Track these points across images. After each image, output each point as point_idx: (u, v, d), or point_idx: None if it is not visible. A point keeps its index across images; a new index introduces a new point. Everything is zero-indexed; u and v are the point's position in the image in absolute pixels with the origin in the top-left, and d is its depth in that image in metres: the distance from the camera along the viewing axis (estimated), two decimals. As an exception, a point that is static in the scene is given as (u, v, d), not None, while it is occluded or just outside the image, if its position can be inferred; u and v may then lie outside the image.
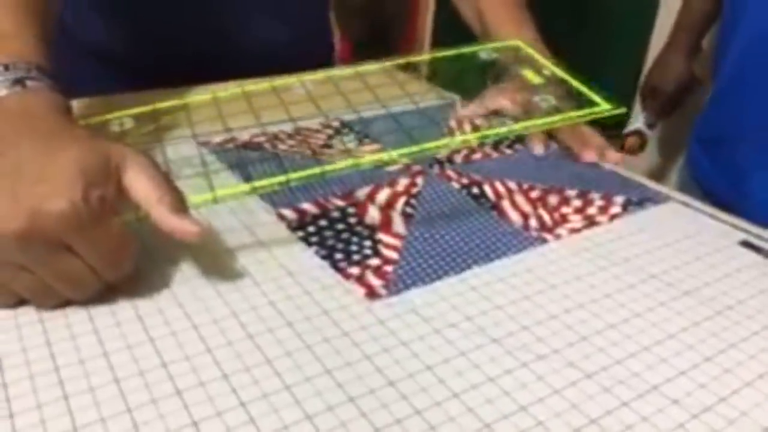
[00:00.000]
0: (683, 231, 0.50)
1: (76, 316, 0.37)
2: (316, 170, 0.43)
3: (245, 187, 0.43)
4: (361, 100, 0.62)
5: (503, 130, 0.50)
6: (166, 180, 0.40)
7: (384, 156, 0.46)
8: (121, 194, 0.38)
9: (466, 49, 0.59)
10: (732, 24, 0.78)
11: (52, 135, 0.38)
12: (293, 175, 0.43)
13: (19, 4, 0.45)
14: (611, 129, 1.16)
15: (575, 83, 0.55)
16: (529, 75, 0.58)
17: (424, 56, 0.65)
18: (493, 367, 0.35)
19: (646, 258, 0.47)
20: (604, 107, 0.51)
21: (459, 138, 0.49)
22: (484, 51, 0.59)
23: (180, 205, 0.39)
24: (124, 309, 0.38)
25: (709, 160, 0.83)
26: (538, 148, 0.63)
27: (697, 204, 0.55)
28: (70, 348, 0.35)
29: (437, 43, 1.40)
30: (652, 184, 0.58)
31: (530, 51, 0.60)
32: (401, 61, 0.62)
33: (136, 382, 0.33)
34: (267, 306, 0.39)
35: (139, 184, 0.38)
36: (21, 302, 0.38)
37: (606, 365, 0.36)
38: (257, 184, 0.43)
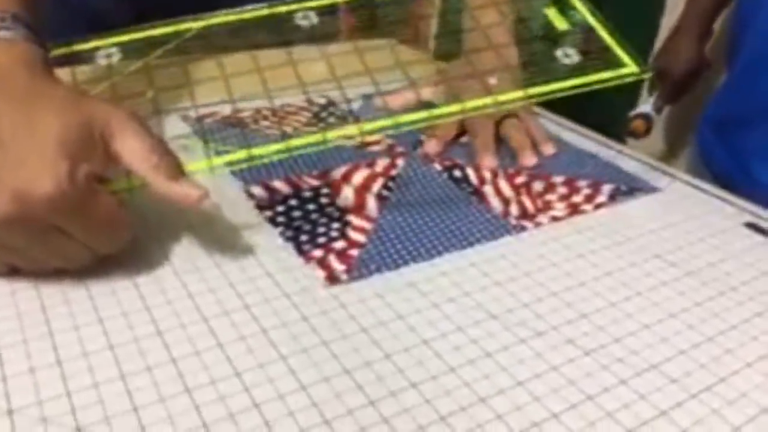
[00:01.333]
0: (688, 212, 0.50)
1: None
2: (280, 146, 0.41)
3: (220, 160, 0.41)
4: (352, 77, 0.60)
5: (506, 97, 0.44)
6: (159, 143, 0.38)
7: (353, 130, 0.42)
8: (109, 161, 0.36)
9: None
10: (751, 8, 0.76)
11: (29, 98, 0.35)
12: (257, 151, 0.40)
13: None
14: (618, 113, 1.15)
15: (605, 35, 0.48)
16: (555, 17, 0.51)
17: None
18: (476, 350, 0.34)
19: (650, 237, 0.46)
20: (631, 69, 0.46)
21: (438, 111, 0.43)
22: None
23: (177, 170, 0.37)
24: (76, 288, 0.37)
25: (719, 142, 0.82)
26: (528, 160, 0.56)
27: (703, 185, 0.54)
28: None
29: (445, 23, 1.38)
30: (659, 164, 0.57)
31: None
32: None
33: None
34: (227, 287, 0.38)
35: (131, 150, 0.36)
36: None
37: (605, 343, 0.36)
38: (223, 159, 0.40)
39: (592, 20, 0.50)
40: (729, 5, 1.03)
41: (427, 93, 0.59)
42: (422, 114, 0.44)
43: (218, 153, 0.43)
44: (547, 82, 0.45)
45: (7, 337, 0.33)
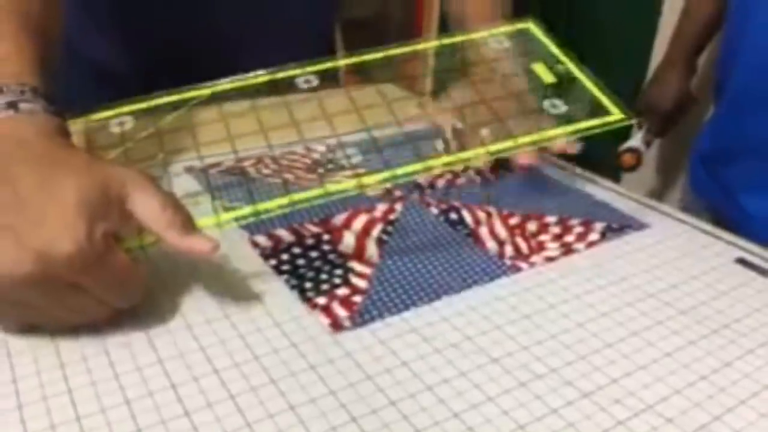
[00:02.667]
0: (680, 249, 0.51)
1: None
2: (284, 200, 0.43)
3: (228, 216, 0.43)
4: (349, 124, 0.62)
5: (498, 147, 0.46)
6: (170, 200, 0.39)
7: (352, 184, 0.45)
8: (124, 220, 0.38)
9: (475, 35, 0.57)
10: (736, 44, 0.79)
11: (49, 163, 0.37)
12: (262, 206, 0.43)
13: (19, 27, 0.45)
14: (609, 146, 1.18)
15: (590, 85, 0.51)
16: (541, 72, 0.53)
17: (429, 44, 0.59)
18: (469, 399, 0.35)
19: (644, 277, 0.47)
20: (617, 117, 0.48)
21: (436, 161, 0.46)
22: (494, 38, 0.56)
23: (189, 224, 0.39)
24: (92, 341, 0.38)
25: (709, 175, 0.84)
26: (525, 159, 0.57)
27: (694, 221, 0.56)
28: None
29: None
30: (650, 201, 0.59)
31: (541, 36, 0.56)
32: (404, 49, 0.58)
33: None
34: (236, 339, 0.39)
35: (146, 209, 0.38)
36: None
37: (602, 384, 0.37)
38: (231, 215, 0.42)
39: (577, 72, 0.52)
40: (713, 41, 1.06)
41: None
42: (418, 166, 0.46)
43: (226, 209, 0.44)
44: (537, 131, 0.48)
45: (28, 395, 0.34)
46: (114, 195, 0.37)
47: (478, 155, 0.46)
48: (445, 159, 0.46)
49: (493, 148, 0.47)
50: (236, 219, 0.43)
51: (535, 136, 0.47)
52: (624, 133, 1.21)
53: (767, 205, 0.74)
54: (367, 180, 0.44)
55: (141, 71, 0.79)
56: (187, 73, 0.74)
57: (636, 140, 1.16)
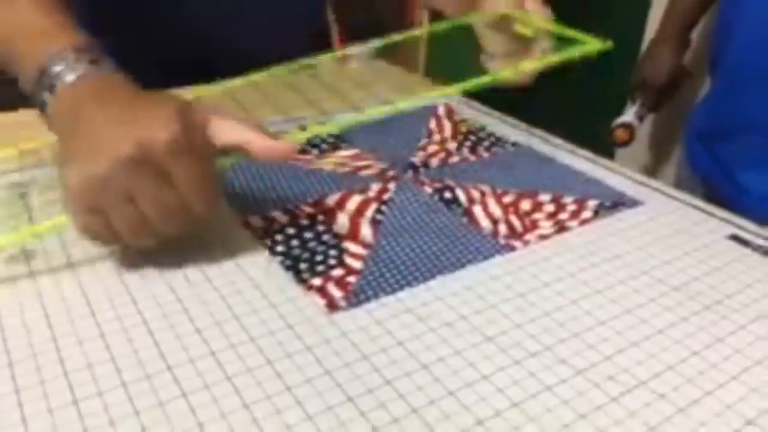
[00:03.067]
0: (672, 226, 0.51)
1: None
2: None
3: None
4: (343, 102, 0.62)
5: (492, 76, 0.53)
6: (246, 119, 0.44)
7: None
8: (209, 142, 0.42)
9: (460, 21, 0.62)
10: (731, 17, 0.78)
11: (145, 95, 0.43)
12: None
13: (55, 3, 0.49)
14: (607, 120, 1.18)
15: (564, 30, 0.58)
16: (521, 29, 0.59)
17: (418, 31, 0.65)
18: (473, 373, 0.36)
19: (637, 254, 0.48)
20: (595, 44, 0.56)
21: (434, 93, 0.54)
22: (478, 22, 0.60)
23: (269, 133, 0.44)
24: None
25: (705, 151, 0.84)
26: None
27: (687, 198, 0.56)
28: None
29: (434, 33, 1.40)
30: (643, 178, 0.59)
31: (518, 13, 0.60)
32: (395, 38, 0.63)
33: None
34: (232, 320, 0.39)
35: (229, 127, 0.43)
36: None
37: (596, 361, 0.37)
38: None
39: (551, 26, 0.58)
40: (706, 15, 1.06)
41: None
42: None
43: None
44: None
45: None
46: (199, 119, 0.42)
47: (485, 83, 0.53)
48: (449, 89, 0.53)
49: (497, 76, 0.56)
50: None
51: (529, 64, 0.57)
52: (617, 108, 1.21)
53: (764, 180, 0.74)
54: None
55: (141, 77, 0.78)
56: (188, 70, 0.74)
57: (629, 115, 1.16)
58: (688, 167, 0.89)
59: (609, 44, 0.55)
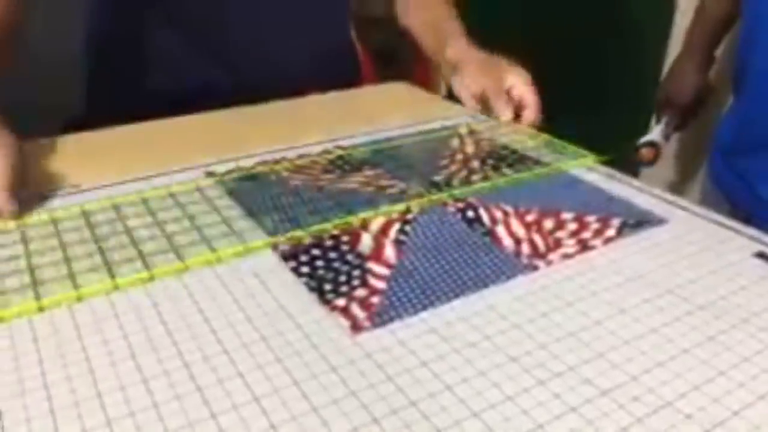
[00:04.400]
0: (698, 244, 0.51)
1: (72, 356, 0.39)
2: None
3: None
4: (366, 123, 0.63)
5: (484, 184, 0.58)
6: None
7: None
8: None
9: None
10: (755, 34, 0.78)
11: None
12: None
13: None
14: (629, 140, 1.17)
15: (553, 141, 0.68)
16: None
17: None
18: (497, 394, 0.36)
19: (661, 272, 0.48)
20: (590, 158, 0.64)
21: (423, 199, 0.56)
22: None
23: None
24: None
25: (729, 166, 0.84)
26: (507, 113, 0.73)
27: (712, 215, 0.56)
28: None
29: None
30: (668, 196, 0.59)
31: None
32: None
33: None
34: (259, 342, 0.40)
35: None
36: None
37: (621, 382, 0.37)
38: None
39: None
40: (729, 32, 1.05)
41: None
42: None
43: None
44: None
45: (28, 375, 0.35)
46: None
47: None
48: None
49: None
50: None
51: (519, 175, 0.62)
52: (643, 127, 1.20)
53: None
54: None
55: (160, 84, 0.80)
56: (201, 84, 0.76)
57: (655, 134, 1.15)
58: (712, 184, 0.89)
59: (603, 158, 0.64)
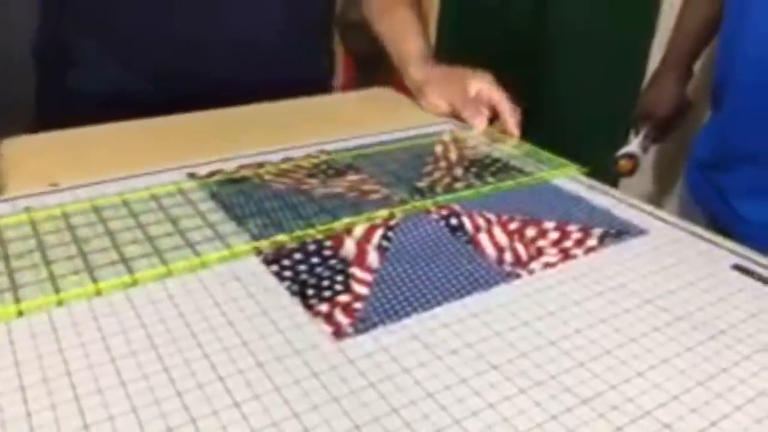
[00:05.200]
0: (677, 255, 0.52)
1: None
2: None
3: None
4: (350, 128, 0.63)
5: (465, 193, 0.58)
6: None
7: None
8: None
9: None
10: (733, 50, 0.80)
11: None
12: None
13: None
14: (608, 151, 1.19)
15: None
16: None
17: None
18: (477, 401, 0.36)
19: (642, 283, 0.48)
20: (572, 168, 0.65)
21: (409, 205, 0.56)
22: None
23: None
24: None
25: (706, 181, 0.85)
26: (480, 120, 0.73)
27: (691, 227, 0.56)
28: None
29: (439, 55, 1.43)
30: (648, 207, 0.60)
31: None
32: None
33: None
34: (240, 346, 0.40)
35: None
36: None
37: (601, 391, 0.38)
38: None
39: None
40: (708, 47, 1.07)
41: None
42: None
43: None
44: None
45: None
46: None
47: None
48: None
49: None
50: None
51: (502, 184, 0.63)
52: (622, 138, 1.22)
53: (764, 210, 0.74)
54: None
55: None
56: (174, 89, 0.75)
57: (633, 146, 1.17)
58: (689, 197, 0.90)
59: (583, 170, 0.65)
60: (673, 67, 1.09)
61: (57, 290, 0.43)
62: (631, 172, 1.17)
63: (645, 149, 1.18)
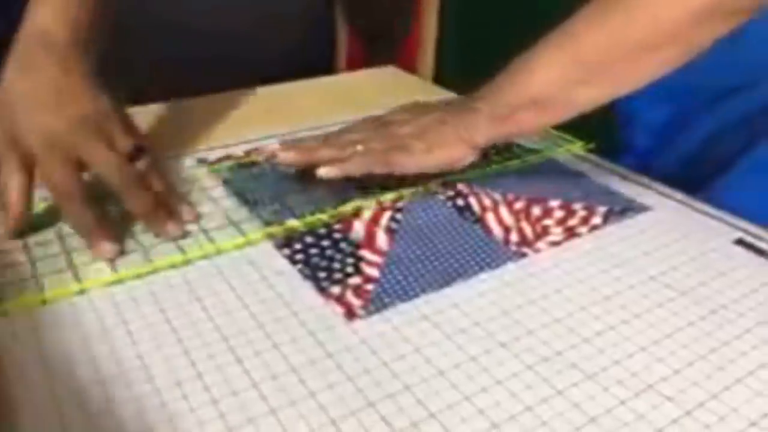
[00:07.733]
0: (680, 231, 0.53)
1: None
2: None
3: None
4: (356, 108, 0.63)
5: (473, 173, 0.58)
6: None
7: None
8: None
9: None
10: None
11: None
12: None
13: None
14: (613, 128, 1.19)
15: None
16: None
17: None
18: (487, 378, 0.37)
19: (645, 259, 0.49)
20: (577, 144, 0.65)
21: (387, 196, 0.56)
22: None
23: None
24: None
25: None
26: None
27: (695, 203, 0.57)
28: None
29: (442, 33, 1.42)
30: (651, 183, 0.60)
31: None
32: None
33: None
34: (256, 329, 0.41)
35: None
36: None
37: (605, 366, 0.39)
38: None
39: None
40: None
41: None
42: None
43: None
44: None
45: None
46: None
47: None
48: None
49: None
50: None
51: (503, 165, 0.63)
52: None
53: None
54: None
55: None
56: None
57: None
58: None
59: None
60: None
61: (78, 279, 0.45)
62: None
63: None
